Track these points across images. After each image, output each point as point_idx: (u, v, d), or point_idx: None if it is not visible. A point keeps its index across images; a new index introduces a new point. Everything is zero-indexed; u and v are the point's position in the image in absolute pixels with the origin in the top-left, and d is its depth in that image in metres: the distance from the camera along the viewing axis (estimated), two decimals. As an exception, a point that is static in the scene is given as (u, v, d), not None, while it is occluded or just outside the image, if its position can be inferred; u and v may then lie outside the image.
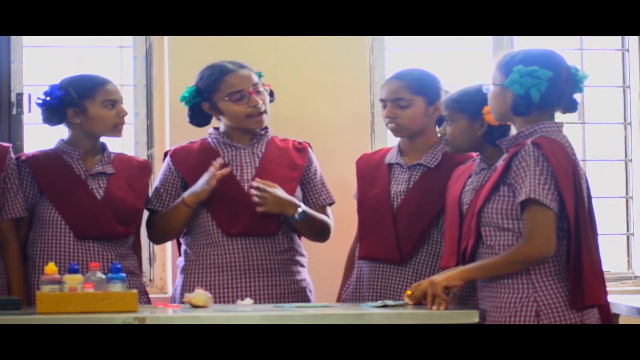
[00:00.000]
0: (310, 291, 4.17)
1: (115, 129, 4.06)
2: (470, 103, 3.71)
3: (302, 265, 4.17)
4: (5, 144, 4.03)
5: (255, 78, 4.12)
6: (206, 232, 4.07)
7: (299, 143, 4.25)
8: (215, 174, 3.98)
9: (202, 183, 4.00)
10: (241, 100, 4.07)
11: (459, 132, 3.75)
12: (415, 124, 4.08)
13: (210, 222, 4.06)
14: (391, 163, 4.15)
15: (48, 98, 4.01)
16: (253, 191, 3.98)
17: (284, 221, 4.09)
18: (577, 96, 3.54)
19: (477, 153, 3.82)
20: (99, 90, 4.02)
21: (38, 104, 4.04)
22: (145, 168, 4.20)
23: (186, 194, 4.03)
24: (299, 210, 4.02)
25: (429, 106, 4.09)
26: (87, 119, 4.02)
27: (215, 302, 3.95)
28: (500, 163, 3.47)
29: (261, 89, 4.12)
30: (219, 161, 4.01)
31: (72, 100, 4.00)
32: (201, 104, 4.13)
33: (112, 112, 4.03)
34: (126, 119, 4.10)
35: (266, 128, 4.18)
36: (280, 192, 4.00)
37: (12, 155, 4.02)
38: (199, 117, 4.17)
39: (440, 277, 3.44)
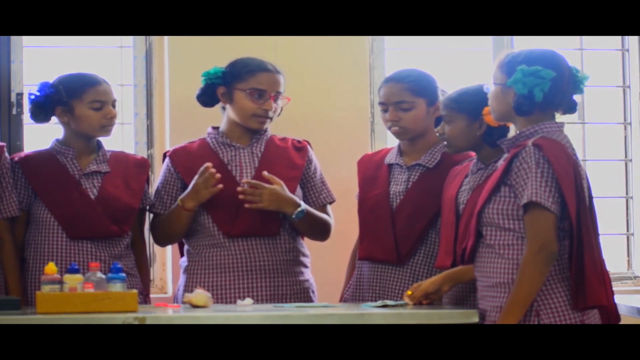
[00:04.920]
0: (313, 292, 4.16)
1: (103, 130, 4.03)
2: (469, 103, 3.71)
3: (306, 266, 4.17)
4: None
5: (282, 87, 4.11)
6: (208, 234, 4.07)
7: (299, 142, 4.24)
8: (211, 177, 3.96)
9: (199, 187, 3.97)
10: (259, 99, 4.07)
11: (457, 132, 3.75)
12: (419, 125, 4.08)
13: (211, 224, 4.06)
14: (391, 163, 4.15)
15: (38, 94, 4.01)
16: (245, 187, 3.96)
17: (283, 218, 4.08)
18: (577, 96, 3.54)
19: (475, 153, 3.82)
20: (88, 91, 4.00)
21: (29, 100, 4.03)
22: (142, 166, 4.17)
23: (183, 198, 4.01)
24: (299, 209, 4.02)
25: (430, 107, 4.08)
26: (73, 119, 4.01)
27: (218, 303, 3.96)
28: (500, 163, 3.47)
29: (281, 99, 4.12)
30: (206, 166, 3.99)
31: (60, 99, 3.99)
32: (218, 86, 4.12)
33: (98, 113, 4.00)
34: (126, 119, 4.09)
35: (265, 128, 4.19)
36: (279, 189, 3.99)
37: (7, 154, 4.01)
38: (207, 97, 4.15)
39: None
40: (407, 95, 4.06)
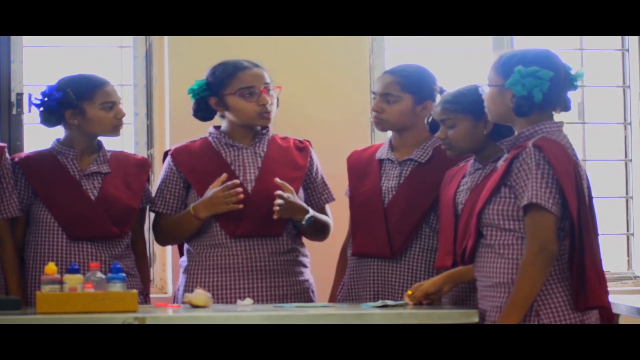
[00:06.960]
0: (312, 292, 4.17)
1: (114, 130, 4.05)
2: (471, 103, 3.69)
3: (305, 266, 4.16)
4: (0, 144, 4.02)
5: (268, 78, 4.11)
6: (210, 233, 4.06)
7: (300, 142, 4.24)
8: (236, 195, 3.95)
9: (218, 200, 3.96)
10: (251, 96, 4.07)
11: (463, 134, 3.72)
12: (400, 120, 4.07)
13: (214, 224, 4.05)
14: (382, 159, 4.14)
15: (46, 99, 3.99)
16: (278, 200, 3.96)
17: (288, 221, 4.08)
18: (577, 96, 3.54)
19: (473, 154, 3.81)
20: (97, 92, 4.01)
21: (35, 105, 4.02)
22: (143, 166, 4.17)
23: (197, 207, 3.99)
24: (307, 215, 4.03)
25: (417, 104, 4.07)
26: (85, 121, 4.01)
27: (218, 303, 3.95)
28: (500, 164, 3.46)
29: (272, 90, 4.12)
30: (224, 176, 3.99)
31: (70, 102, 3.99)
32: (208, 98, 4.12)
33: (110, 113, 4.02)
34: (126, 119, 4.09)
35: (267, 127, 4.18)
36: (293, 197, 4.00)
37: (8, 155, 4.01)
38: (203, 111, 4.15)
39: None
40: (394, 88, 4.06)
